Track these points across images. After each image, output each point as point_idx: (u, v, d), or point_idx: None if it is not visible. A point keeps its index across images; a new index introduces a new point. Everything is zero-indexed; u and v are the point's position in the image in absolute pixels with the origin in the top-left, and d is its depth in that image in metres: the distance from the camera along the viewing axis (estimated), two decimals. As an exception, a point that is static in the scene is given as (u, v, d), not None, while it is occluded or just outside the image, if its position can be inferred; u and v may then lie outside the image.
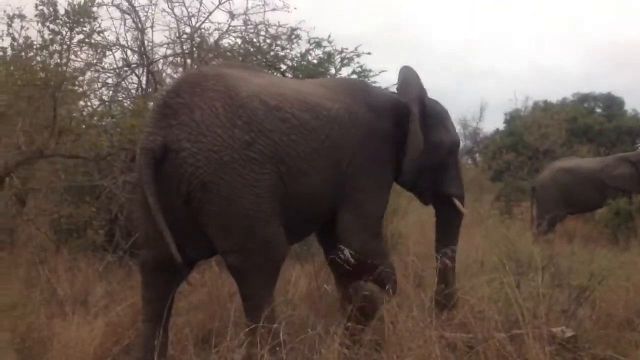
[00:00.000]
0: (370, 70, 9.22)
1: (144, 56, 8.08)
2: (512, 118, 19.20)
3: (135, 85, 8.40)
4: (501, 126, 21.06)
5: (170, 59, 8.62)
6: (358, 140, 4.47)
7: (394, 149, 4.77)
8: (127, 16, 8.19)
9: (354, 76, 9.16)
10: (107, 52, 8.30)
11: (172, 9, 8.14)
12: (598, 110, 19.73)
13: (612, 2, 59.63)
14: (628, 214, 10.01)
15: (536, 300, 4.13)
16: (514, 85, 57.89)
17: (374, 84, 7.33)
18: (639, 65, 42.07)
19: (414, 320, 3.82)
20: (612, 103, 19.58)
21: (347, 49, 9.02)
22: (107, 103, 8.02)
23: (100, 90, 8.48)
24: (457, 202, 5.19)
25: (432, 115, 5.06)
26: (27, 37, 6.91)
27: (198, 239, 3.85)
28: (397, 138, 4.77)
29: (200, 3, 8.21)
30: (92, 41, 8.02)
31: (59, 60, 6.84)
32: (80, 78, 7.86)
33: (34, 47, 6.91)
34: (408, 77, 5.00)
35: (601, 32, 57.16)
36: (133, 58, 8.44)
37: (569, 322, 4.26)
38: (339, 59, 9.15)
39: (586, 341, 4.14)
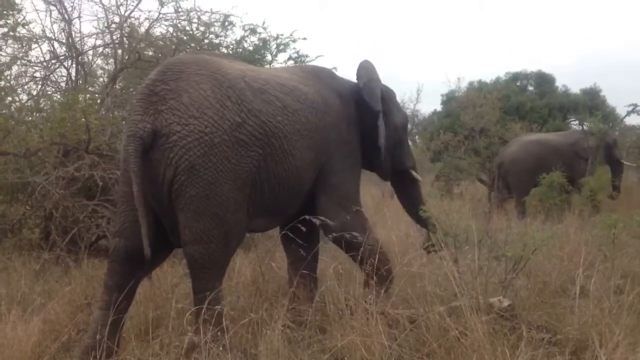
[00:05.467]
0: (306, 56, 9.25)
1: (73, 48, 7.83)
2: (449, 99, 19.50)
3: (65, 78, 8.16)
4: (439, 107, 21.40)
5: (100, 49, 8.43)
6: (331, 124, 4.64)
7: (359, 132, 4.96)
8: (52, 7, 7.92)
9: (291, 62, 9.15)
10: (34, 45, 8.07)
11: (100, -2, 7.90)
12: (530, 88, 20.19)
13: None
14: (561, 187, 10.34)
15: (474, 272, 4.24)
16: (450, 66, 59.11)
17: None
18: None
19: (355, 299, 3.88)
20: (543, 80, 20.05)
21: (282, 34, 9.01)
22: (35, 97, 7.74)
23: (28, 85, 8.23)
24: (414, 173, 5.52)
25: (387, 100, 5.26)
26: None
27: None
28: (359, 122, 4.98)
29: (128, -9, 7.96)
30: (17, 34, 7.77)
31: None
32: (7, 72, 7.61)
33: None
34: (372, 75, 5.10)
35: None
36: (61, 50, 8.18)
37: (506, 292, 4.39)
38: (275, 45, 9.12)
39: (523, 309, 4.29)
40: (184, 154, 3.64)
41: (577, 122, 18.38)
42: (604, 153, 11.57)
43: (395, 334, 3.75)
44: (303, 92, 4.47)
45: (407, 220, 6.97)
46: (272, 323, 3.63)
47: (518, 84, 20.27)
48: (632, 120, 25.86)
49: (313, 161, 4.46)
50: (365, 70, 5.10)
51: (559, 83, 20.14)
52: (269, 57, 9.06)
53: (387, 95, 5.32)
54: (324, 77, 4.98)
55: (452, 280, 3.99)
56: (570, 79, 50.67)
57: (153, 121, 3.66)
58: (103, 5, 7.93)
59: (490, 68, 58.29)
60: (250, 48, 8.92)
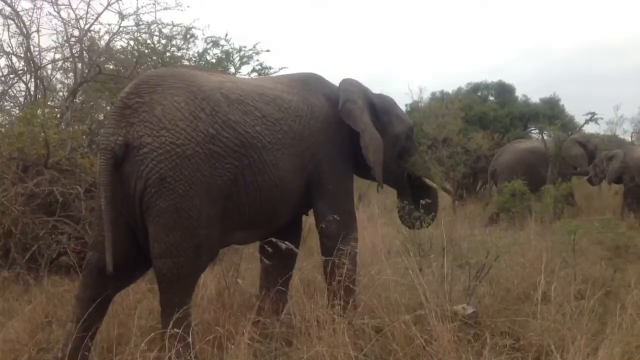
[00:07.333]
0: (270, 68, 9.27)
1: (31, 62, 7.68)
2: (412, 110, 19.70)
3: (24, 93, 8.00)
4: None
5: (60, 63, 8.30)
6: (318, 130, 4.59)
7: (350, 136, 4.82)
8: (10, 21, 7.76)
9: (254, 74, 9.17)
10: (-10, 60, 7.92)
11: (59, 12, 7.78)
12: (491, 98, 20.55)
13: None
14: (522, 195, 10.51)
15: (438, 281, 4.28)
16: (412, 77, 59.84)
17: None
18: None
19: (322, 310, 3.87)
20: (503, 90, 20.45)
21: (245, 47, 9.03)
22: (-7, 113, 7.60)
23: (-15, 100, 8.06)
24: (428, 181, 5.44)
25: (382, 111, 5.22)
26: None
27: None
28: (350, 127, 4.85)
29: (88, 5, 7.87)
30: (-26, 49, 7.62)
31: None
32: (-38, 88, 7.46)
33: None
34: (349, 96, 4.88)
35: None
36: (19, 64, 8.03)
37: (470, 299, 4.44)
38: (238, 58, 9.13)
39: (486, 316, 4.34)
40: (155, 166, 3.59)
41: (537, 130, 18.75)
42: (588, 158, 12.12)
43: (361, 344, 3.75)
44: (286, 101, 4.43)
45: (373, 231, 7.01)
46: (238, 337, 3.59)
47: (479, 94, 20.61)
48: (590, 128, 26.46)
49: (299, 169, 4.41)
50: (343, 91, 4.93)
51: (518, 93, 20.59)
52: (232, 70, 9.07)
53: (384, 107, 5.25)
54: (312, 83, 4.90)
55: (418, 288, 4.01)
56: (529, 88, 51.78)
57: (125, 134, 3.62)
58: (62, 18, 7.82)
59: (452, 79, 59.22)
60: (213, 60, 8.92)
